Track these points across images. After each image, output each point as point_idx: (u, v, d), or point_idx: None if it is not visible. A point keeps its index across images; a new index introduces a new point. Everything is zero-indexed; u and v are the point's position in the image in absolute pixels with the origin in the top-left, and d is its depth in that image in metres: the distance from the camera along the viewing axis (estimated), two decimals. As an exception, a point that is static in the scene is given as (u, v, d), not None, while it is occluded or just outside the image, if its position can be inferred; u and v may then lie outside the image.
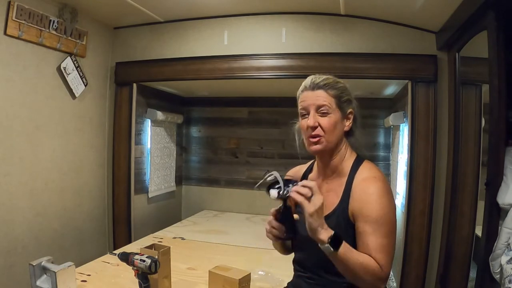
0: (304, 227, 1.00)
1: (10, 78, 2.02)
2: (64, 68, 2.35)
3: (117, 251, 1.44)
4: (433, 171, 2.23)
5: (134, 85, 2.75)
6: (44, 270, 1.40)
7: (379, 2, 2.14)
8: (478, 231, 1.79)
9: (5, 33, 1.96)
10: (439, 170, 2.24)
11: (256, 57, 2.49)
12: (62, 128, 2.40)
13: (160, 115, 2.96)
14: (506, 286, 1.40)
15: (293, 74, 2.42)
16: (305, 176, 1.29)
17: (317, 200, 0.96)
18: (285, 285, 1.32)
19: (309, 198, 0.96)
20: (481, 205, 1.76)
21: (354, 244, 1.05)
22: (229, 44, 2.55)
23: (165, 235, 2.53)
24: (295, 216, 1.08)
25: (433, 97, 2.24)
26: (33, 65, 2.15)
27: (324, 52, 2.38)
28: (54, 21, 2.22)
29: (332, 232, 0.96)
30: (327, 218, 1.11)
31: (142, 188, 2.94)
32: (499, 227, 1.50)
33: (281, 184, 0.99)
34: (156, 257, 1.33)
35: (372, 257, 0.99)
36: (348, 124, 1.16)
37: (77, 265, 1.61)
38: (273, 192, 1.00)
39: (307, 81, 1.15)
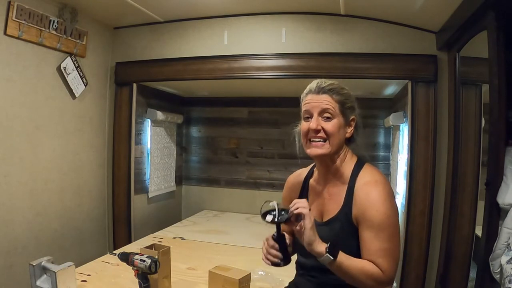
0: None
1: (10, 78, 2.02)
2: (64, 68, 2.35)
3: (117, 251, 1.44)
4: (433, 171, 2.23)
5: (134, 85, 2.75)
6: (44, 270, 1.40)
7: (379, 2, 2.14)
8: (478, 231, 1.79)
9: (5, 33, 1.96)
10: (439, 170, 2.24)
11: (256, 57, 2.49)
12: (62, 128, 2.40)
13: (160, 115, 2.96)
14: (506, 286, 1.40)
15: (293, 74, 2.42)
16: (306, 181, 1.29)
17: (311, 217, 1.01)
18: (286, 285, 1.32)
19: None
20: (481, 205, 1.76)
21: (357, 243, 1.06)
22: (229, 44, 2.55)
23: (165, 235, 2.53)
24: (288, 241, 1.14)
25: (433, 97, 2.24)
26: (33, 65, 2.15)
27: (324, 52, 2.38)
28: (54, 21, 2.22)
29: (327, 244, 0.99)
30: (331, 222, 1.12)
31: (142, 188, 2.94)
32: (499, 227, 1.50)
33: (276, 211, 1.04)
34: (156, 257, 1.33)
35: (374, 262, 1.01)
36: (350, 131, 1.16)
37: (77, 265, 1.61)
38: (269, 217, 1.04)
39: (313, 84, 1.16)
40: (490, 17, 1.53)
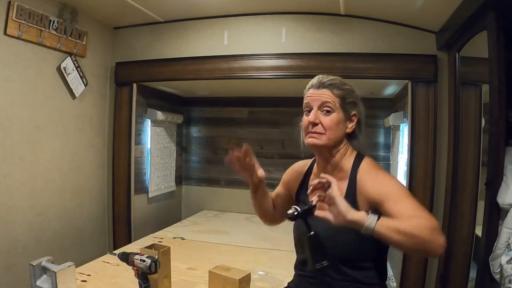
0: (306, 229, 1.01)
1: (10, 78, 2.02)
2: (64, 68, 2.35)
3: (117, 251, 1.44)
4: (433, 171, 2.23)
5: (134, 85, 2.75)
6: (44, 270, 1.40)
7: (379, 2, 2.14)
8: (478, 231, 1.80)
9: (5, 33, 1.96)
10: (439, 170, 2.24)
11: (256, 57, 2.49)
12: (62, 128, 2.40)
13: (160, 115, 2.96)
14: (506, 286, 1.40)
15: (293, 74, 2.42)
16: (307, 174, 1.30)
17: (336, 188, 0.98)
18: (285, 285, 1.32)
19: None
20: (481, 205, 1.76)
21: (370, 240, 0.98)
22: (229, 44, 2.55)
23: (165, 235, 2.53)
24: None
25: (433, 97, 2.24)
26: (33, 65, 2.15)
27: (324, 52, 2.38)
28: (54, 21, 2.22)
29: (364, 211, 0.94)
30: None
31: (142, 188, 2.94)
32: (499, 227, 1.50)
33: (297, 206, 1.00)
34: (156, 257, 1.33)
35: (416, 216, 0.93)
36: (350, 126, 1.16)
37: (77, 265, 1.61)
38: (289, 211, 1.00)
39: (314, 79, 1.17)
40: (490, 17, 1.53)
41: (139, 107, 2.84)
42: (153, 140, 3.05)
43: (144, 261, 1.29)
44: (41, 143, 2.25)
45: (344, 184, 1.13)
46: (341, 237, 1.06)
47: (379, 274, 1.10)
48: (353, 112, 1.16)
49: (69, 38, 2.35)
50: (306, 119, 1.15)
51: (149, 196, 3.02)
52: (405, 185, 2.33)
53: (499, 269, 1.47)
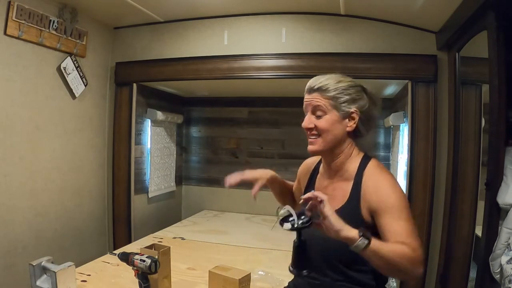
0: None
1: (10, 78, 2.02)
2: (64, 68, 2.35)
3: (117, 251, 1.44)
4: (433, 171, 2.23)
5: (134, 85, 2.75)
6: (44, 270, 1.40)
7: (379, 2, 2.14)
8: (478, 231, 1.80)
9: (5, 33, 1.96)
10: (439, 170, 2.24)
11: (256, 57, 2.49)
12: (62, 128, 2.40)
13: (160, 115, 2.96)
14: (506, 286, 1.40)
15: (293, 74, 2.42)
16: (316, 170, 1.30)
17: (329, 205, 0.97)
18: (286, 285, 1.32)
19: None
20: (481, 205, 1.76)
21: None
22: (229, 44, 2.55)
23: (165, 235, 2.53)
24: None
25: (433, 97, 2.24)
26: (33, 65, 2.15)
27: (324, 52, 2.38)
28: (54, 21, 2.22)
29: (357, 230, 0.94)
30: None
31: (142, 188, 2.94)
32: (499, 227, 1.50)
33: (294, 216, 0.97)
34: (156, 257, 1.33)
35: (403, 243, 0.97)
36: (351, 124, 1.14)
37: (77, 265, 1.61)
38: (287, 225, 0.98)
39: (307, 83, 1.17)
40: (490, 17, 1.53)
41: (139, 107, 2.84)
42: (153, 140, 3.05)
43: (144, 261, 1.29)
44: (41, 143, 2.25)
45: (349, 186, 1.13)
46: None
47: (379, 276, 1.10)
48: (352, 110, 1.13)
49: (69, 38, 2.35)
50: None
51: (149, 196, 3.02)
52: (405, 185, 2.33)
53: (499, 269, 1.47)
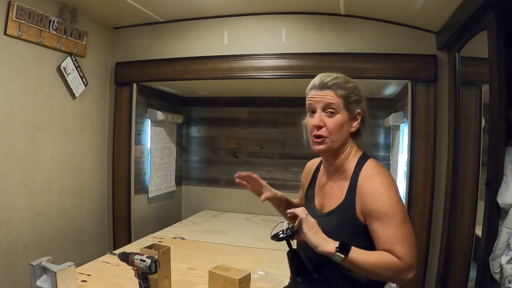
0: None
1: (10, 78, 2.02)
2: (64, 68, 2.35)
3: (117, 251, 1.44)
4: (433, 171, 2.23)
5: (134, 85, 2.75)
6: (44, 270, 1.40)
7: (379, 2, 2.14)
8: (478, 231, 1.80)
9: (5, 33, 1.96)
10: (439, 170, 2.24)
11: (256, 57, 2.49)
12: (62, 128, 2.40)
13: (160, 115, 2.96)
14: (506, 286, 1.40)
15: (293, 74, 2.42)
16: (316, 171, 1.31)
17: (310, 220, 1.02)
18: (286, 284, 1.32)
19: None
20: (481, 205, 1.76)
21: (366, 241, 1.05)
22: (229, 44, 2.55)
23: (165, 235, 2.53)
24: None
25: (433, 97, 2.24)
26: (33, 65, 2.15)
27: (324, 52, 2.38)
28: (54, 21, 2.21)
29: (337, 243, 0.98)
30: (330, 214, 1.12)
31: (142, 188, 2.94)
32: (499, 227, 1.50)
33: (284, 229, 1.05)
34: (156, 257, 1.33)
35: (389, 251, 0.99)
36: (355, 125, 1.15)
37: (77, 265, 1.61)
38: (273, 236, 1.06)
39: (316, 79, 1.15)
40: (490, 17, 1.53)
41: (139, 107, 2.84)
42: (153, 140, 3.05)
43: (144, 261, 1.29)
44: (41, 143, 2.25)
45: (346, 186, 1.13)
46: (335, 235, 1.06)
47: None
48: (358, 111, 1.14)
49: (69, 38, 2.35)
50: (310, 121, 1.13)
51: (149, 196, 3.02)
52: (405, 185, 2.33)
53: (499, 269, 1.47)
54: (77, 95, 2.48)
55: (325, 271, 1.10)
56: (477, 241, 1.85)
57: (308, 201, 1.29)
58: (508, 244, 1.43)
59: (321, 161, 1.31)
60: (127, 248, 1.94)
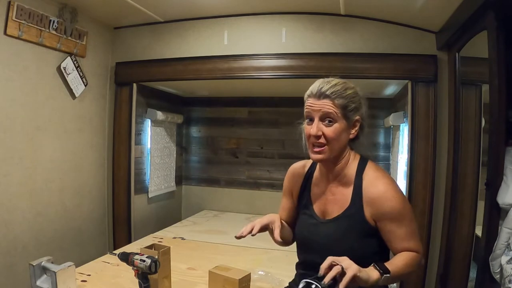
0: (309, 229, 1.05)
1: (10, 78, 2.02)
2: (64, 68, 2.35)
3: (117, 251, 1.44)
4: (433, 171, 2.23)
5: (134, 85, 2.75)
6: (44, 270, 1.40)
7: (379, 2, 2.14)
8: (478, 231, 1.80)
9: (5, 33, 1.95)
10: (439, 170, 2.24)
11: (256, 57, 2.48)
12: (62, 128, 2.40)
13: (160, 115, 2.96)
14: (506, 286, 1.40)
15: (293, 74, 2.42)
16: (309, 175, 1.28)
17: (349, 263, 0.94)
18: (286, 284, 1.32)
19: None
20: (481, 205, 1.76)
21: (377, 242, 1.09)
22: (229, 44, 2.55)
23: (165, 235, 2.53)
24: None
25: (433, 97, 2.24)
26: (33, 65, 2.15)
27: (324, 52, 2.38)
28: (54, 21, 2.21)
29: (372, 266, 0.99)
30: (337, 220, 1.12)
31: (142, 188, 2.94)
32: (499, 227, 1.50)
33: (316, 284, 0.93)
34: (156, 257, 1.33)
35: (406, 247, 1.07)
36: (354, 131, 1.14)
37: (77, 265, 1.61)
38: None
39: (314, 86, 1.12)
40: (490, 17, 1.53)
41: (139, 107, 2.84)
42: (153, 140, 3.05)
43: (144, 261, 1.29)
44: (41, 143, 2.25)
45: (349, 191, 1.13)
46: (345, 240, 1.07)
47: None
48: (356, 118, 1.13)
49: (69, 38, 2.35)
50: (308, 129, 1.12)
51: (149, 196, 3.02)
52: (405, 185, 2.33)
53: (499, 269, 1.47)
54: (77, 95, 2.48)
55: None
56: (477, 241, 1.85)
57: (303, 208, 1.26)
58: (508, 244, 1.43)
59: (311, 167, 1.29)
60: (127, 248, 1.94)
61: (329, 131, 1.09)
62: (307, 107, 1.13)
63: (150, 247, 1.50)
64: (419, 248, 1.09)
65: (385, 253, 1.14)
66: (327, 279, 0.90)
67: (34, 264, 1.38)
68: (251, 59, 2.49)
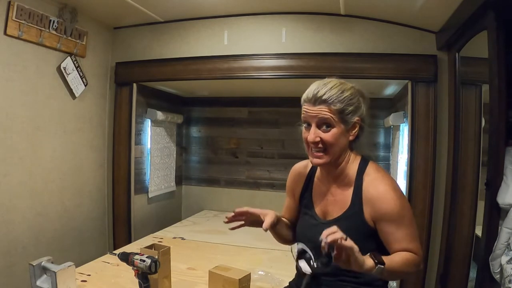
0: (310, 230, 1.04)
1: (10, 78, 2.02)
2: (64, 68, 2.35)
3: (117, 251, 1.44)
4: (433, 171, 2.23)
5: (134, 85, 2.75)
6: (44, 270, 1.40)
7: (379, 2, 2.14)
8: (478, 231, 1.80)
9: (5, 33, 1.95)
10: (439, 170, 2.24)
11: (256, 57, 2.48)
12: (62, 128, 2.40)
13: (160, 115, 2.96)
14: (506, 286, 1.40)
15: (293, 74, 2.42)
16: (311, 176, 1.28)
17: (350, 242, 0.93)
18: (286, 284, 1.32)
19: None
20: (481, 205, 1.76)
21: (375, 244, 1.08)
22: (229, 44, 2.55)
23: (165, 235, 2.53)
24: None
25: (433, 97, 2.24)
26: (33, 65, 2.15)
27: (324, 52, 2.38)
28: (54, 21, 2.21)
29: (368, 255, 0.98)
30: (338, 220, 1.12)
31: (142, 188, 2.94)
32: (499, 227, 1.50)
33: (310, 254, 0.96)
34: (156, 257, 1.33)
35: (405, 249, 1.05)
36: (353, 133, 1.13)
37: (77, 265, 1.61)
38: (306, 267, 0.97)
39: (310, 90, 1.10)
40: (490, 17, 1.53)
41: (139, 107, 2.84)
42: (153, 140, 3.05)
43: (144, 261, 1.29)
44: (41, 143, 2.25)
45: (350, 191, 1.13)
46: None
47: None
48: (355, 119, 1.11)
49: (69, 38, 2.35)
50: (305, 135, 1.11)
51: (149, 196, 3.02)
52: (405, 185, 2.33)
53: (499, 269, 1.47)
54: (77, 95, 2.48)
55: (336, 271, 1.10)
56: (477, 241, 1.85)
57: (305, 208, 1.26)
58: (508, 244, 1.43)
59: (313, 167, 1.28)
60: (127, 248, 1.94)
61: (327, 136, 1.07)
62: (304, 112, 1.11)
63: (150, 247, 1.50)
64: (419, 251, 1.06)
65: (385, 255, 1.13)
66: (324, 238, 0.89)
67: (34, 264, 1.38)
68: (251, 59, 2.49)
